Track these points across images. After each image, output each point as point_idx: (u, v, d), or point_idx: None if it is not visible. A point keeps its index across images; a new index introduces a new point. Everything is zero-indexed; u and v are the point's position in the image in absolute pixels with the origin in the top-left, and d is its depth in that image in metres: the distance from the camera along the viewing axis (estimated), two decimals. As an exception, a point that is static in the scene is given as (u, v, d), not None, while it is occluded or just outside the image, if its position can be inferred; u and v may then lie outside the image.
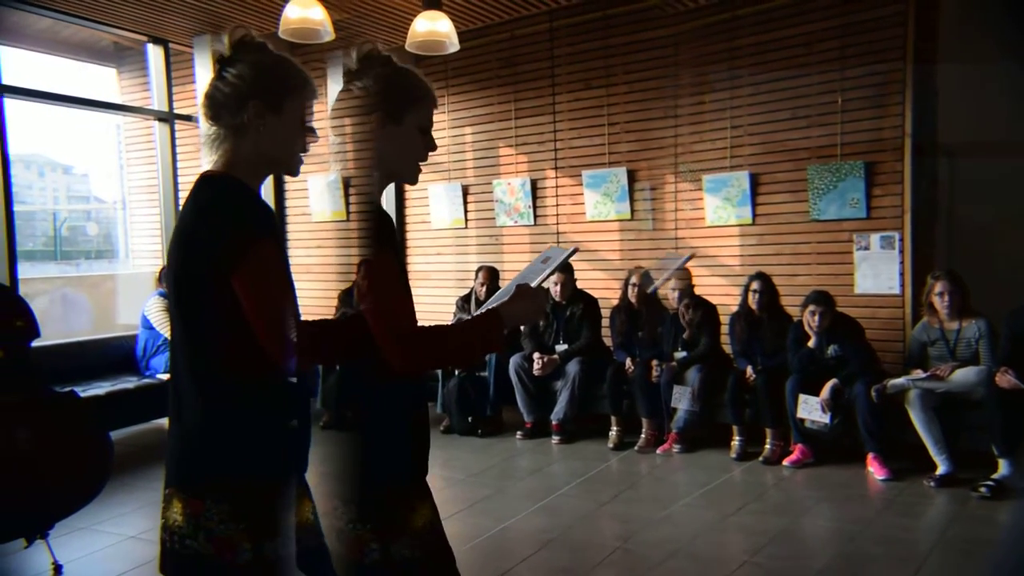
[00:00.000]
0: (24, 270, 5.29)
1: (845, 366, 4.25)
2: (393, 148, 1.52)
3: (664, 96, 5.28)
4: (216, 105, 1.44)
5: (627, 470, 4.43)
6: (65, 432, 2.89)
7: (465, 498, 3.91)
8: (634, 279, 5.00)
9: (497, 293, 1.60)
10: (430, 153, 1.57)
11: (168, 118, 5.79)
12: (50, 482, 2.74)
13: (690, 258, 4.86)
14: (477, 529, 3.48)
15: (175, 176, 5.79)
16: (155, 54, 5.78)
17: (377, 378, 1.49)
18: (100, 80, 7.35)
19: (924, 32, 4.54)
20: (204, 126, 1.48)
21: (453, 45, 4.49)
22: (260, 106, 1.42)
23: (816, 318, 4.27)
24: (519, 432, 5.08)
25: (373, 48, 1.52)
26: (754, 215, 5.05)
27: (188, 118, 6.06)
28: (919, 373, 4.09)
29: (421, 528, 1.52)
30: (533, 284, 1.53)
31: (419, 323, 1.50)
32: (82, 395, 3.50)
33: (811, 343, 4.33)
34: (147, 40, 5.75)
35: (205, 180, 1.45)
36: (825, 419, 4.18)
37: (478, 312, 1.54)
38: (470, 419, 5.17)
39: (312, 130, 1.49)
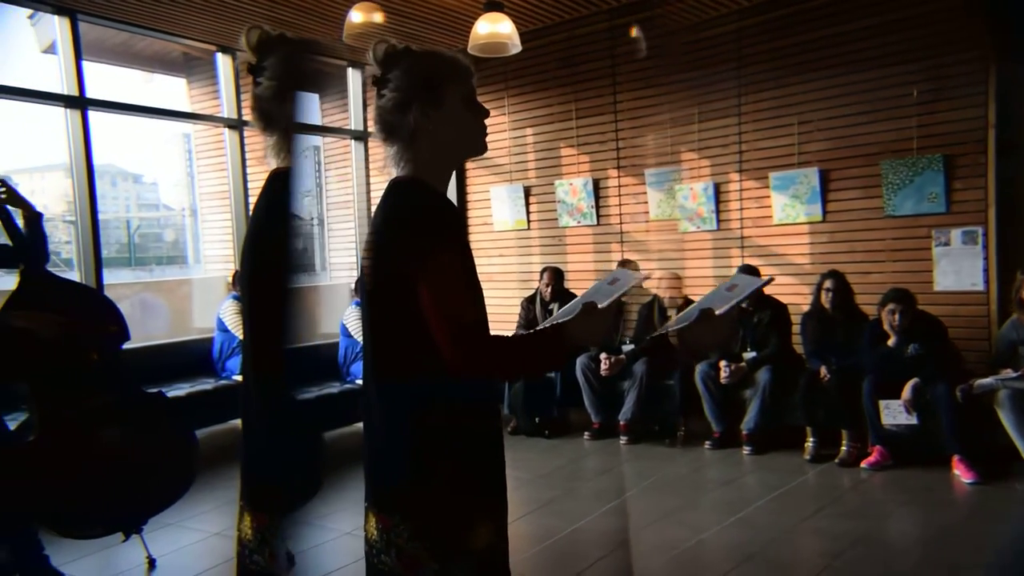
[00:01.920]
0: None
1: (924, 365, 4.11)
2: (445, 132, 1.45)
3: (727, 93, 5.20)
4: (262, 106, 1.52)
5: (696, 472, 4.38)
6: (157, 431, 3.01)
7: (535, 499, 3.91)
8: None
9: (564, 308, 1.56)
10: (485, 120, 1.51)
11: (237, 125, 5.94)
12: (145, 479, 2.85)
13: (769, 281, 4.63)
14: (548, 530, 3.48)
15: (245, 182, 5.93)
16: (224, 63, 5.94)
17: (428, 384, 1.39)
18: (170, 90, 7.63)
19: (1009, 20, 4.35)
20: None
21: (515, 46, 4.50)
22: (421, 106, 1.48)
23: (896, 316, 4.15)
24: (586, 433, 5.07)
25: (389, 45, 1.45)
26: (824, 212, 4.93)
27: (257, 125, 6.20)
28: (1009, 372, 3.92)
29: (481, 550, 1.42)
30: (601, 305, 1.46)
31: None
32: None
33: (891, 342, 4.20)
34: (216, 50, 5.92)
35: (276, 175, 1.51)
36: (913, 420, 4.04)
37: (543, 326, 1.49)
38: (537, 420, 5.18)
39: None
